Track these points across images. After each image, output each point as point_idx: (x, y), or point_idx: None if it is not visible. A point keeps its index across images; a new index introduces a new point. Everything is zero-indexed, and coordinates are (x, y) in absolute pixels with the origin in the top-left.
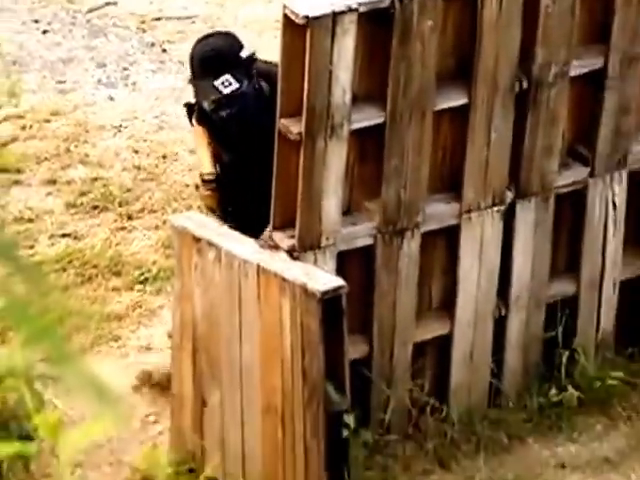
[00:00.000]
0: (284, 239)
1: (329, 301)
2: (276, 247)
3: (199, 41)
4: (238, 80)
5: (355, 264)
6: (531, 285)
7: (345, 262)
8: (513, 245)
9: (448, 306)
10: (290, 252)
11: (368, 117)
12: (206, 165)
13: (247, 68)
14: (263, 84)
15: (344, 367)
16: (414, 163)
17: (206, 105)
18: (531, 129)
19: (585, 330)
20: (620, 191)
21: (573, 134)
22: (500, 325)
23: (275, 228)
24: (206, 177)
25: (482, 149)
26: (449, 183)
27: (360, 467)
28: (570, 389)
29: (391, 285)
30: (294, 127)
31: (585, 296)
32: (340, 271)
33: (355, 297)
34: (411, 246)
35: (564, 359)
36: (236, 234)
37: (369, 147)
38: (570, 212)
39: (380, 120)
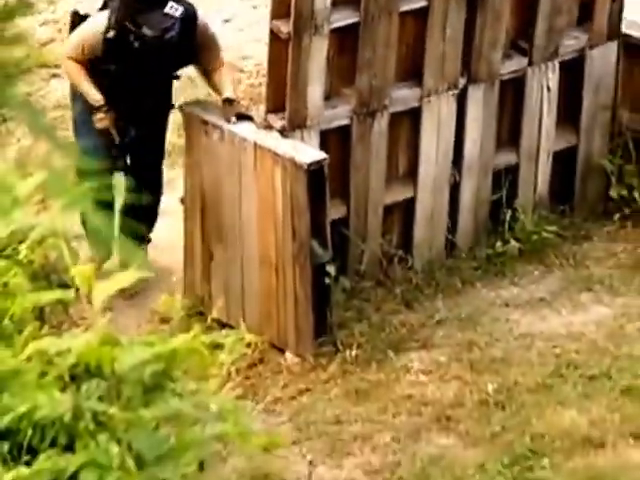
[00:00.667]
0: (276, 120)
1: (313, 171)
2: (270, 127)
3: None
4: (179, 4)
5: (335, 141)
6: (480, 156)
7: (327, 139)
8: (465, 123)
9: (412, 174)
10: (281, 131)
11: (345, 17)
12: (96, 94)
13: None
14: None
15: (326, 226)
16: (383, 55)
17: (152, 32)
18: (480, 26)
19: (525, 193)
20: (553, 77)
21: (514, 30)
22: (455, 190)
23: (269, 111)
24: (98, 104)
25: (439, 43)
26: (412, 72)
27: (340, 309)
28: (512, 241)
29: (364, 157)
30: (284, 27)
31: (525, 164)
32: (323, 146)
33: (335, 168)
34: (381, 125)
35: (507, 217)
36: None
37: (346, 43)
38: (512, 95)
39: (355, 20)
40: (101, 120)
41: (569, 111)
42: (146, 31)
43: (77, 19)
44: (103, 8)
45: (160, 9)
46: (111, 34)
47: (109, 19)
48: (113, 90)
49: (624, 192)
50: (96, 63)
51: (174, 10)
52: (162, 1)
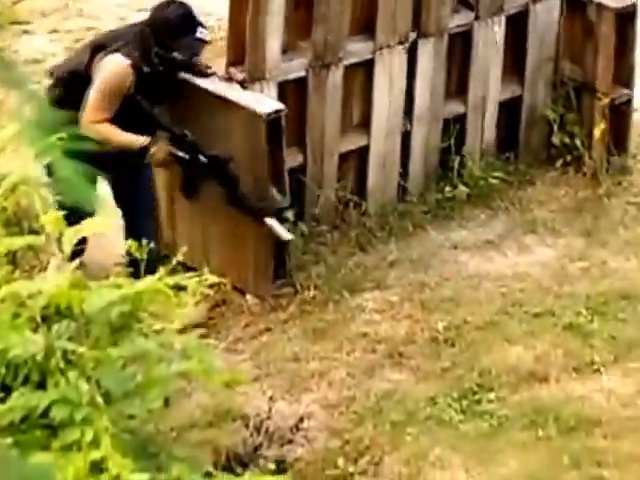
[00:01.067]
0: (237, 73)
1: (272, 121)
2: (231, 79)
3: (162, 8)
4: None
5: (292, 92)
6: (430, 106)
7: (284, 90)
8: (416, 75)
9: (366, 124)
10: (242, 83)
11: None
12: (138, 138)
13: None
14: None
15: (284, 174)
16: (338, 11)
17: (183, 57)
18: None
19: (472, 140)
20: (499, 31)
21: None
22: (406, 138)
23: (229, 65)
24: (145, 142)
25: (390, 0)
26: (365, 27)
27: (298, 252)
28: (460, 187)
29: (320, 108)
30: None
31: (472, 114)
32: (281, 98)
33: (293, 118)
34: (336, 77)
35: (456, 163)
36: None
37: None
38: (460, 48)
39: None
40: (158, 151)
41: (514, 63)
42: (176, 56)
43: (67, 78)
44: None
45: (192, 34)
46: (141, 66)
47: (131, 53)
48: (141, 121)
49: (566, 139)
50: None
51: (204, 35)
52: (194, 26)
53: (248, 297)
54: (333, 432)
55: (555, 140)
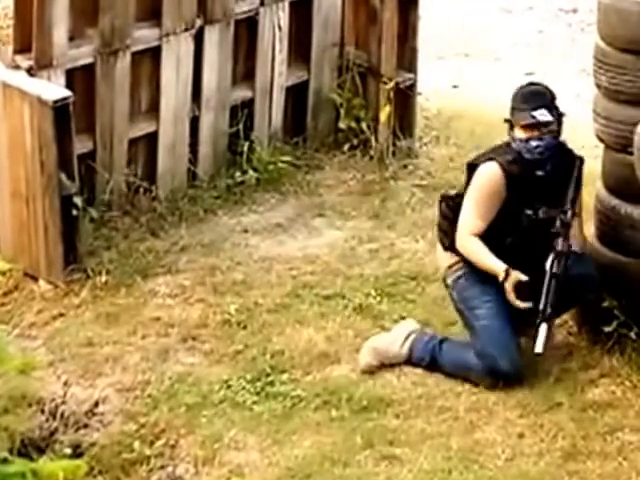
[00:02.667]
0: (24, 60)
1: (59, 108)
2: (17, 67)
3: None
4: (553, 115)
5: (80, 79)
6: (217, 91)
7: (72, 78)
8: (203, 61)
9: (154, 109)
10: (28, 70)
11: None
12: (499, 262)
13: (558, 118)
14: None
15: (73, 160)
16: None
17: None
18: None
19: (260, 126)
20: (284, 17)
21: None
22: (195, 123)
23: (16, 52)
24: (504, 271)
25: None
26: (152, 13)
27: (89, 238)
28: (250, 172)
29: (109, 94)
30: None
31: (259, 99)
32: (69, 85)
33: (81, 105)
34: (123, 63)
35: (245, 148)
36: None
37: None
38: (246, 34)
39: None
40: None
41: (300, 48)
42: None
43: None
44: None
45: (528, 108)
46: (514, 169)
47: (505, 158)
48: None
49: (352, 124)
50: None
51: (540, 115)
52: (536, 101)
53: (40, 283)
54: (128, 416)
55: (342, 124)
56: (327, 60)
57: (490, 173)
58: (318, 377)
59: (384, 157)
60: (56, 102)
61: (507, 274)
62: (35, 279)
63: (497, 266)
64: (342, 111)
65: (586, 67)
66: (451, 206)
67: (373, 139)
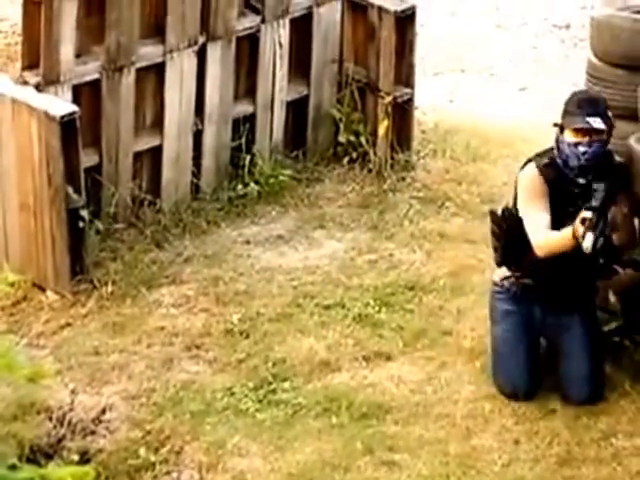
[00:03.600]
0: (32, 77)
1: (66, 123)
2: (26, 83)
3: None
4: (605, 124)
5: (87, 94)
6: (220, 106)
7: (79, 93)
8: (205, 77)
9: (159, 124)
10: (36, 86)
11: None
12: (565, 231)
13: (609, 129)
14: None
15: (80, 173)
16: (128, 16)
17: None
18: None
19: (262, 139)
20: (285, 33)
21: None
22: (198, 137)
23: (24, 68)
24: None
25: (179, 4)
26: (155, 30)
27: (95, 249)
28: (252, 184)
29: (114, 109)
30: None
31: (261, 114)
32: (75, 100)
33: (88, 120)
34: (128, 79)
35: (247, 162)
36: None
37: (93, 4)
38: (247, 50)
39: None
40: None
41: (300, 64)
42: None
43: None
44: None
45: (583, 114)
46: (550, 173)
47: (542, 161)
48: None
49: (351, 137)
50: None
51: (594, 122)
52: (592, 109)
53: (48, 293)
54: (134, 423)
55: (341, 138)
56: (327, 76)
57: (528, 174)
58: (319, 385)
59: (382, 170)
60: (63, 117)
61: (574, 230)
62: (43, 290)
63: (565, 232)
64: (341, 125)
65: (579, 82)
66: (497, 222)
67: (372, 152)
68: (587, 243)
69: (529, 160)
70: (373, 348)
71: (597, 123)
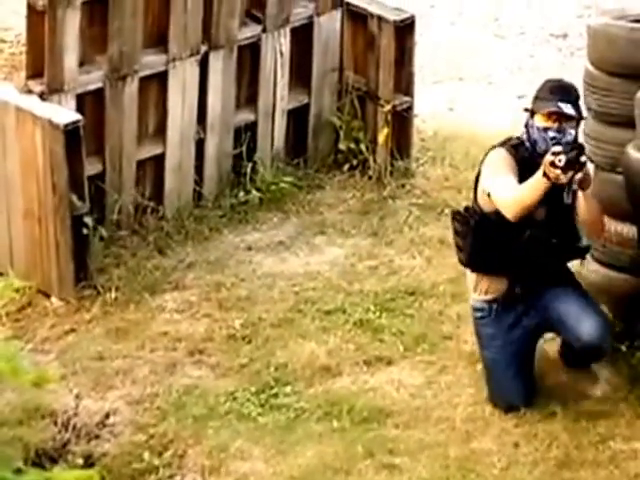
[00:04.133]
0: (36, 86)
1: (70, 131)
2: (30, 92)
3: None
4: (576, 111)
5: (90, 103)
6: (222, 115)
7: (83, 102)
8: (207, 85)
9: (161, 132)
10: (40, 95)
11: None
12: (536, 176)
13: (579, 119)
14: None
15: (84, 181)
16: (131, 25)
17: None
18: None
19: (263, 147)
20: (285, 42)
21: (249, 0)
22: (200, 145)
23: (29, 77)
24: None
25: (181, 14)
26: (158, 40)
27: (99, 256)
28: (253, 192)
29: (117, 118)
30: (40, 1)
31: (262, 122)
32: (79, 109)
33: (91, 128)
34: (132, 88)
35: (248, 169)
36: None
37: (96, 14)
38: (249, 59)
39: None
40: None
41: (301, 73)
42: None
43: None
44: None
45: (555, 99)
46: (520, 152)
47: (510, 144)
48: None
49: (352, 145)
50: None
51: (565, 108)
52: (563, 94)
53: (53, 299)
54: (138, 427)
55: (341, 146)
56: (327, 84)
57: (493, 153)
58: (320, 389)
59: (382, 177)
60: (67, 125)
61: (545, 171)
62: (47, 296)
63: (536, 177)
64: (342, 133)
65: None
66: (461, 220)
67: (372, 160)
68: (559, 163)
69: (492, 147)
70: (374, 353)
71: (568, 109)
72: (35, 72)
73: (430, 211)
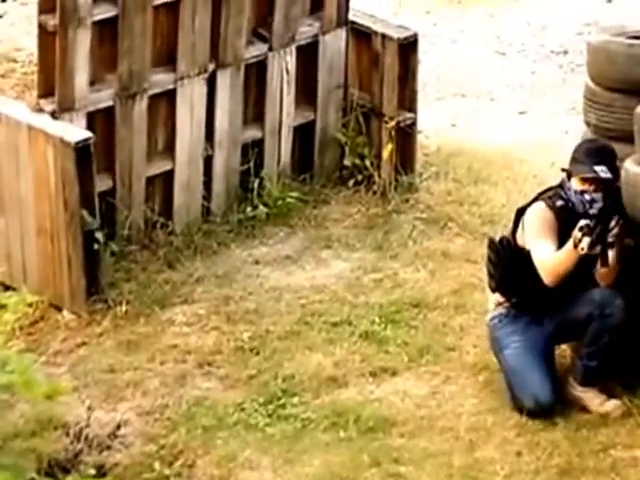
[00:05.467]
0: (47, 104)
1: (81, 149)
2: (41, 110)
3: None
4: (612, 173)
5: (101, 121)
6: (229, 132)
7: (93, 120)
8: (215, 103)
9: (170, 149)
10: (52, 114)
11: (105, 11)
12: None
13: (616, 178)
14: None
15: (94, 197)
16: (140, 45)
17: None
18: (224, 17)
19: (270, 163)
20: (291, 60)
21: (255, 19)
22: (208, 162)
23: (40, 96)
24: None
25: (190, 33)
26: (167, 59)
27: (110, 270)
28: (260, 207)
29: (127, 135)
30: (51, 21)
31: (269, 139)
32: (90, 127)
33: (102, 145)
34: (141, 106)
35: (255, 185)
36: (11, 100)
37: (107, 34)
38: (256, 77)
39: (114, 13)
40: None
41: (306, 90)
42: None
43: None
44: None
45: (591, 163)
46: (563, 214)
47: (553, 201)
48: None
49: (357, 161)
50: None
51: (602, 172)
52: (601, 158)
53: (65, 313)
54: (148, 438)
55: (347, 162)
56: (332, 101)
57: (539, 210)
58: (327, 400)
59: (387, 192)
60: (78, 143)
61: (575, 241)
62: (60, 309)
63: (567, 248)
64: (347, 149)
65: (576, 106)
66: (495, 250)
67: (376, 175)
68: (583, 244)
69: (534, 199)
70: (379, 364)
71: (604, 173)
72: (46, 91)
73: (434, 225)
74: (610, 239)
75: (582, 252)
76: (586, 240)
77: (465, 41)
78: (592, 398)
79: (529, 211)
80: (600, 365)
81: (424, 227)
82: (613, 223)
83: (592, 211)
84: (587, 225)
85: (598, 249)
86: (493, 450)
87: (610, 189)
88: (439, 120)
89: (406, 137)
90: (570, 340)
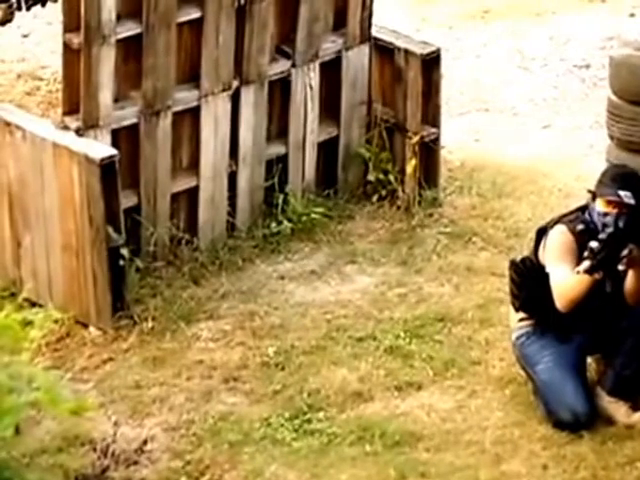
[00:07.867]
0: (72, 121)
1: (106, 165)
2: (66, 127)
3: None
4: (636, 200)
5: (125, 138)
6: (253, 148)
7: (118, 137)
8: (239, 119)
9: (195, 166)
10: (77, 131)
11: (129, 29)
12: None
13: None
14: None
15: (119, 214)
16: (164, 62)
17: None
18: (248, 34)
19: (294, 179)
20: (315, 77)
21: (279, 36)
22: (233, 178)
23: (65, 114)
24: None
25: (213, 50)
26: (191, 76)
27: (135, 286)
28: (285, 222)
29: (152, 152)
30: (75, 39)
31: (293, 155)
32: (114, 143)
33: (126, 162)
34: (165, 123)
35: (280, 201)
36: (36, 118)
37: (131, 51)
38: (279, 94)
39: (138, 31)
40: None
41: (330, 106)
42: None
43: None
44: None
45: (615, 187)
46: (583, 237)
47: (575, 225)
48: None
49: (381, 176)
50: None
51: (626, 197)
52: (625, 183)
53: (90, 329)
54: (175, 453)
55: (370, 177)
56: (356, 117)
57: (560, 234)
58: (352, 414)
59: (411, 207)
60: (103, 160)
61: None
62: (85, 326)
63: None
64: (370, 164)
65: (599, 119)
66: (518, 271)
67: (400, 190)
68: (583, 266)
69: (555, 222)
70: (404, 378)
71: (628, 198)
72: (71, 108)
73: (458, 239)
74: (621, 267)
75: (578, 274)
76: (586, 263)
77: (488, 56)
78: (618, 408)
79: (551, 234)
80: (633, 375)
81: (448, 241)
82: (626, 252)
83: (601, 235)
84: (592, 248)
85: (600, 274)
86: (519, 464)
87: (630, 215)
88: (462, 135)
89: (429, 152)
90: (602, 352)
